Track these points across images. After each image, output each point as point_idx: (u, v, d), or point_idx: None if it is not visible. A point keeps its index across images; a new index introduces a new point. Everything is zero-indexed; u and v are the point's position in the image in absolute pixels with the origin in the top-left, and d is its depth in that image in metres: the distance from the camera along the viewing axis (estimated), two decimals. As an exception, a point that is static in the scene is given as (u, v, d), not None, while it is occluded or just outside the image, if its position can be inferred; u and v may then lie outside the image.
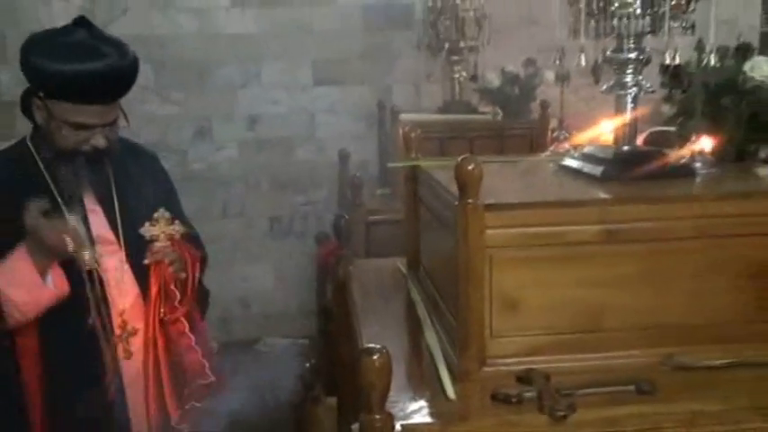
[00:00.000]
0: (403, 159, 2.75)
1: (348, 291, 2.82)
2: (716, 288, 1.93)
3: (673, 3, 2.11)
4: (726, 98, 2.32)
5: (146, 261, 2.59)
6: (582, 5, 2.19)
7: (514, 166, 2.88)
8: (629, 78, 2.23)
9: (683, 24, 2.16)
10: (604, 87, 2.29)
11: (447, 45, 5.81)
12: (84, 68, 2.38)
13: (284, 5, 6.22)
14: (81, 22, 2.47)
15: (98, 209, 2.65)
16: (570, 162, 2.41)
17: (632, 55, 2.21)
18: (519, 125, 5.24)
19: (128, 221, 2.66)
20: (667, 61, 2.27)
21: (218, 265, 5.98)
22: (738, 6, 6.27)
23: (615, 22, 2.17)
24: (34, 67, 2.38)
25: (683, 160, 2.30)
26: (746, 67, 2.32)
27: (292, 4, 6.24)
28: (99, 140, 2.50)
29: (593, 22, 2.22)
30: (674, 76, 2.42)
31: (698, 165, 2.30)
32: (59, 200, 2.51)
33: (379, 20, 6.29)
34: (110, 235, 2.66)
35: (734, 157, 2.33)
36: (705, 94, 2.34)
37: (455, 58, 5.88)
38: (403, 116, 5.22)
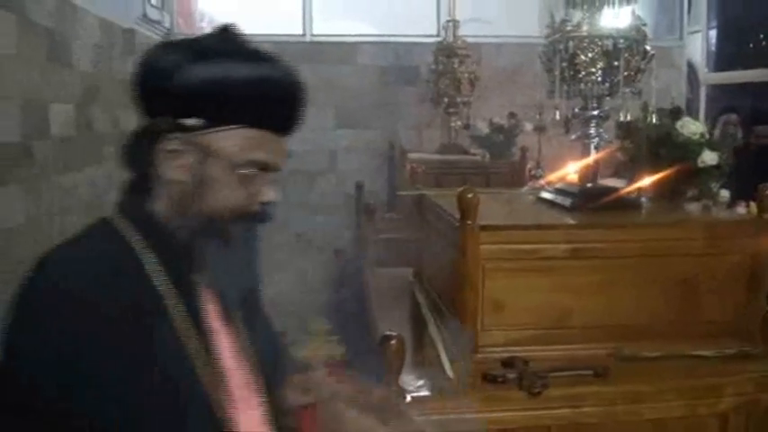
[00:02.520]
0: (409, 189, 2.80)
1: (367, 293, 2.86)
2: (653, 296, 1.98)
3: (625, 74, 2.16)
4: (662, 149, 2.34)
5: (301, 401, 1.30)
6: (557, 73, 2.23)
7: (500, 197, 2.90)
8: (592, 130, 2.27)
9: (633, 90, 2.21)
10: (573, 137, 2.32)
11: (446, 99, 5.87)
12: (284, 75, 1.23)
13: (317, 62, 6.24)
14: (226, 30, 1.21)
15: (221, 327, 1.24)
16: (545, 195, 2.44)
17: (595, 112, 2.26)
18: (502, 165, 5.28)
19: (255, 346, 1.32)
20: (621, 118, 2.36)
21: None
22: (671, 78, 6.41)
23: (582, 86, 2.22)
24: (189, 79, 1.12)
25: (632, 196, 2.32)
26: (678, 125, 2.35)
27: (323, 62, 6.28)
28: (271, 192, 1.24)
29: (565, 86, 2.26)
30: (626, 130, 2.45)
31: (642, 200, 2.33)
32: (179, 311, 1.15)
33: (391, 77, 6.35)
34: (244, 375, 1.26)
35: (668, 195, 2.35)
36: (647, 145, 2.36)
37: (452, 110, 5.91)
38: (410, 155, 5.29)
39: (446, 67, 5.78)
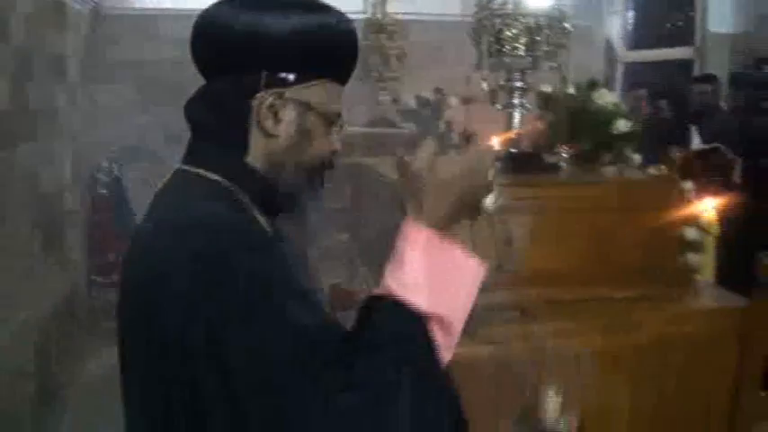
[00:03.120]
0: (345, 162, 2.88)
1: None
2: (574, 246, 2.12)
3: (546, 49, 2.31)
4: (580, 118, 2.47)
5: None
6: (483, 47, 2.36)
7: None
8: (515, 101, 2.41)
9: (553, 64, 2.35)
10: (499, 107, 2.44)
11: (374, 74, 6.02)
12: (345, 24, 1.23)
13: None
14: None
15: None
16: None
17: (518, 84, 2.39)
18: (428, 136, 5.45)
19: None
20: (542, 90, 2.55)
21: None
22: (590, 55, 6.71)
23: (506, 60, 2.35)
24: (284, 34, 1.14)
25: (552, 160, 2.46)
26: (594, 96, 2.49)
27: None
28: (339, 142, 1.29)
29: (491, 60, 2.38)
30: (546, 100, 2.58)
31: (562, 164, 2.47)
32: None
33: None
34: None
35: (586, 159, 2.48)
36: (566, 114, 2.50)
37: (380, 85, 6.10)
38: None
39: (375, 43, 5.93)
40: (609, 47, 8.28)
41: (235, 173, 1.19)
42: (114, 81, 6.17)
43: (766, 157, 5.03)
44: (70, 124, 5.10)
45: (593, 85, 2.55)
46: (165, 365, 1.03)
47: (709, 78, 6.25)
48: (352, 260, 2.99)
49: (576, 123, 2.47)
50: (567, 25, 2.37)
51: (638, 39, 8.79)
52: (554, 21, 2.33)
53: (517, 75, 2.40)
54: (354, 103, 6.37)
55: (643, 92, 6.43)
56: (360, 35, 5.16)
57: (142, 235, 1.15)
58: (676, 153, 2.32)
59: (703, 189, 2.83)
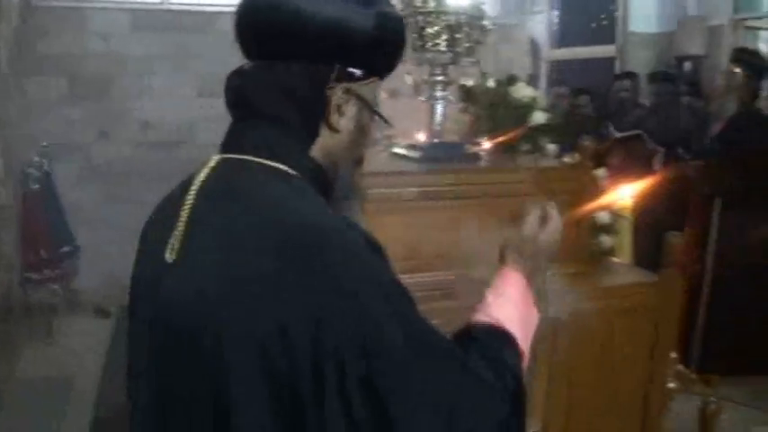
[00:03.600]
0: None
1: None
2: (492, 230, 1.99)
3: (466, 45, 2.43)
4: (499, 110, 2.60)
5: None
6: (407, 43, 2.51)
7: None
8: (438, 94, 2.51)
9: (473, 60, 2.48)
10: (422, 99, 2.55)
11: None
12: (400, 20, 1.23)
13: (174, 30, 6.28)
14: None
15: None
16: (398, 150, 2.66)
17: (440, 78, 2.50)
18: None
19: None
20: (463, 84, 2.65)
21: (118, 246, 6.08)
22: (514, 52, 6.92)
23: (429, 55, 2.46)
24: (348, 24, 1.12)
25: (473, 150, 2.56)
26: (512, 90, 2.63)
27: (181, 30, 6.30)
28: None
29: (415, 55, 2.49)
30: (467, 94, 2.71)
31: (482, 153, 2.57)
32: None
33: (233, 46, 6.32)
34: None
35: (505, 149, 2.58)
36: (486, 107, 2.63)
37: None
38: None
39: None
40: (534, 45, 8.52)
41: (302, 166, 1.15)
42: (45, 73, 6.09)
43: (683, 148, 5.29)
44: (1, 117, 5.05)
45: (511, 79, 2.69)
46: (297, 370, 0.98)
47: (629, 75, 6.54)
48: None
49: (496, 115, 2.59)
50: (485, 23, 2.50)
51: (563, 37, 9.06)
52: (473, 19, 2.45)
53: (439, 69, 2.51)
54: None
55: (564, 89, 6.67)
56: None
57: (238, 236, 1.06)
58: (587, 143, 2.44)
59: (623, 176, 3.00)
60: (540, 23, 8.85)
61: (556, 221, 1.31)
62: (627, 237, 2.54)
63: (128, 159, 6.37)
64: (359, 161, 1.32)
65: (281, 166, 1.13)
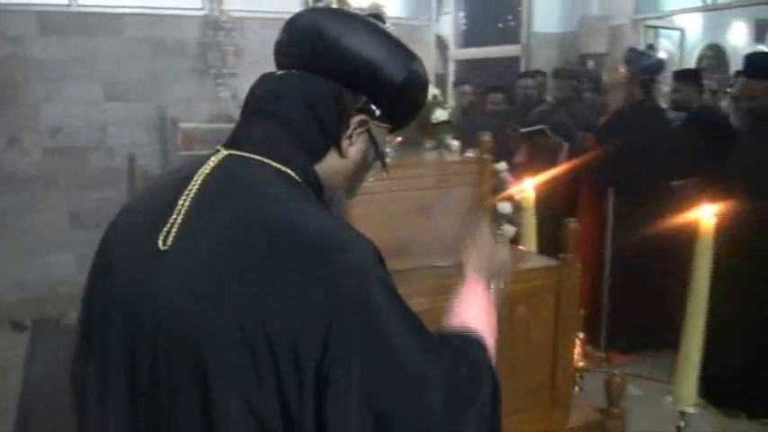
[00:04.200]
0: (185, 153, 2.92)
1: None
2: (402, 222, 2.24)
3: None
4: None
5: None
6: None
7: None
8: None
9: None
10: None
11: (213, 71, 6.06)
12: (425, 83, 1.30)
13: (82, 33, 6.17)
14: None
15: None
16: None
17: None
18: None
19: None
20: None
21: (29, 257, 5.95)
22: (422, 53, 6.93)
23: None
24: (385, 68, 1.19)
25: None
26: None
27: (89, 33, 6.20)
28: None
29: None
30: None
31: (388, 149, 2.42)
32: None
33: (159, 49, 6.32)
34: None
35: (409, 145, 2.59)
36: None
37: (219, 81, 6.15)
38: (182, 125, 5.48)
39: (212, 40, 5.97)
40: (443, 45, 8.70)
41: (306, 176, 1.17)
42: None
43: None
44: None
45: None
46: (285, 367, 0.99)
47: (533, 73, 6.77)
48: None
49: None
50: (387, 24, 2.58)
51: (471, 37, 9.27)
52: (375, 19, 2.53)
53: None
54: (195, 99, 6.43)
55: (468, 87, 6.85)
56: (197, 32, 5.21)
57: (240, 232, 1.06)
58: (486, 138, 2.53)
59: (529, 169, 3.11)
60: (448, 24, 9.04)
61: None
62: (531, 225, 2.66)
63: (38, 165, 6.25)
64: (351, 193, 1.33)
65: (287, 169, 1.14)
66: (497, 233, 2.49)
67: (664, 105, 5.77)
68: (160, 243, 1.08)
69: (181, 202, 1.10)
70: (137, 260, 1.11)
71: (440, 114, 2.63)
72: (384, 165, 1.31)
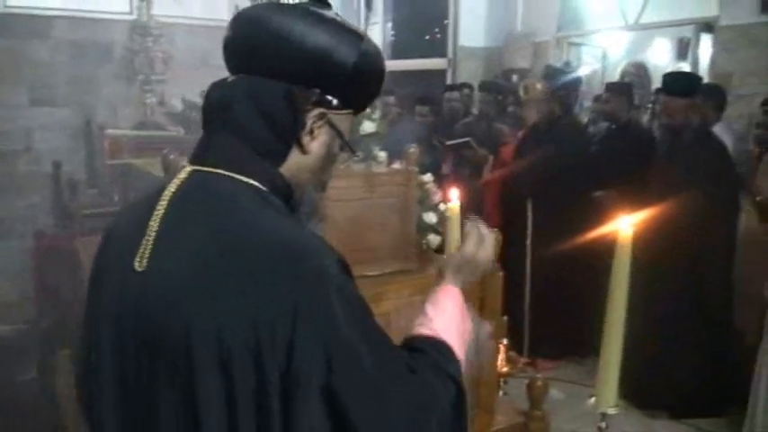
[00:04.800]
0: (113, 162, 2.91)
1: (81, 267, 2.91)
2: (330, 232, 2.17)
3: None
4: None
5: None
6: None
7: None
8: None
9: None
10: None
11: (141, 77, 5.98)
12: (383, 62, 1.26)
13: (9, 36, 6.00)
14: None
15: None
16: None
17: None
18: (197, 139, 5.42)
19: None
20: None
21: None
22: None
23: None
24: (335, 54, 1.15)
25: None
26: None
27: (16, 36, 6.04)
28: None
29: None
30: None
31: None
32: None
33: (86, 53, 6.21)
34: None
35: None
36: None
37: (147, 87, 6.07)
38: (108, 131, 5.32)
39: (141, 46, 5.89)
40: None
41: (272, 182, 1.17)
42: None
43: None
44: None
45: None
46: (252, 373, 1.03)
47: (459, 86, 6.87)
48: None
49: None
50: (332, 9, 2.58)
51: (398, 49, 9.34)
52: (318, 6, 2.53)
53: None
54: (122, 105, 6.33)
55: (392, 98, 6.90)
56: (125, 38, 5.12)
57: (211, 246, 1.08)
58: (412, 150, 2.56)
59: (455, 180, 3.15)
60: (377, 35, 9.09)
61: (490, 240, 1.42)
62: (456, 235, 2.70)
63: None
64: (323, 186, 1.33)
65: (253, 182, 1.15)
66: (422, 243, 2.54)
67: (585, 119, 5.93)
68: (136, 265, 1.12)
69: (152, 224, 1.13)
70: (118, 281, 1.15)
71: (367, 126, 2.65)
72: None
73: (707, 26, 6.18)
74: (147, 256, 1.12)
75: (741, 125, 5.24)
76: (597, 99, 6.06)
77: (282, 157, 1.18)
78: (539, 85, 4.97)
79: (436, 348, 1.24)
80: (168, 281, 1.08)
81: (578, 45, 8.02)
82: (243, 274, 1.04)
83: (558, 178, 4.70)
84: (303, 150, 1.19)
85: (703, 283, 4.11)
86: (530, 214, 4.94)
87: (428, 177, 2.62)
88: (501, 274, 2.34)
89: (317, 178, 1.27)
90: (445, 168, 5.69)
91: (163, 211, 1.13)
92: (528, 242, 4.93)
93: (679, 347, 4.18)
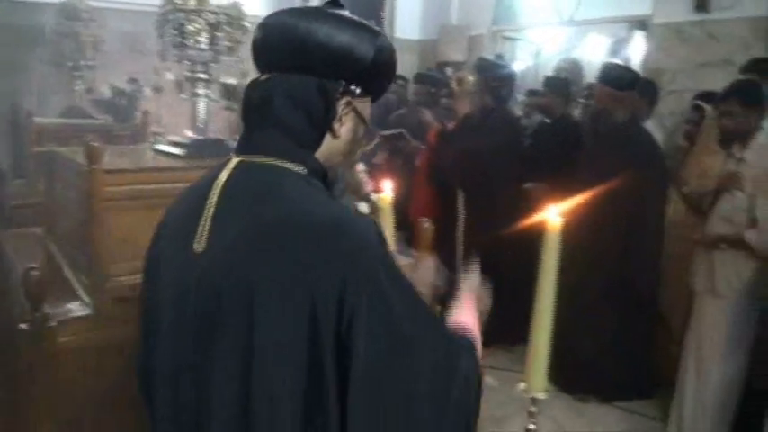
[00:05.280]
0: (39, 150, 2.83)
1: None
2: None
3: (227, 44, 2.48)
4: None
5: None
6: (167, 40, 2.47)
7: (123, 150, 3.08)
8: (200, 91, 2.54)
9: (235, 58, 2.53)
10: (184, 96, 2.56)
11: (70, 63, 5.81)
12: (393, 54, 1.42)
13: None
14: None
15: None
16: (162, 147, 2.65)
17: (202, 76, 2.53)
18: (126, 127, 5.32)
19: None
20: (224, 81, 2.68)
21: None
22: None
23: (190, 52, 2.47)
24: (357, 50, 1.32)
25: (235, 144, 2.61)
26: None
27: None
28: None
29: (176, 52, 2.49)
30: (228, 91, 2.75)
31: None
32: None
33: (12, 37, 5.91)
34: None
35: None
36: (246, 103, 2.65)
37: (76, 73, 5.90)
38: (35, 119, 5.16)
39: (70, 30, 5.71)
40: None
41: (311, 166, 1.31)
42: None
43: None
44: None
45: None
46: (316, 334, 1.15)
47: (397, 78, 6.85)
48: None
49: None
50: (246, 23, 2.54)
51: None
52: (234, 18, 2.49)
53: (200, 67, 2.53)
54: (49, 92, 6.11)
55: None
56: (53, 21, 4.92)
57: (265, 224, 1.20)
58: None
59: (388, 171, 3.14)
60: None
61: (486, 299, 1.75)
62: (389, 225, 2.68)
63: None
64: (350, 164, 1.53)
65: (294, 167, 1.28)
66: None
67: (519, 112, 5.95)
68: (195, 246, 1.25)
69: (207, 209, 1.27)
70: (179, 261, 1.28)
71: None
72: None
73: (641, 24, 6.25)
74: (205, 237, 1.25)
75: (672, 121, 5.32)
76: (532, 93, 6.09)
77: (317, 143, 1.33)
78: (471, 78, 4.97)
79: (461, 333, 1.45)
80: (229, 255, 1.21)
81: (513, 40, 8.06)
82: (297, 247, 1.16)
83: (489, 170, 4.71)
84: (334, 135, 1.33)
85: (631, 269, 4.17)
86: (460, 205, 4.95)
87: (361, 167, 2.60)
88: (432, 264, 2.33)
89: (346, 159, 1.42)
90: (378, 159, 5.66)
91: (216, 198, 1.27)
92: (458, 233, 4.93)
93: (607, 333, 4.24)
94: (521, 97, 6.43)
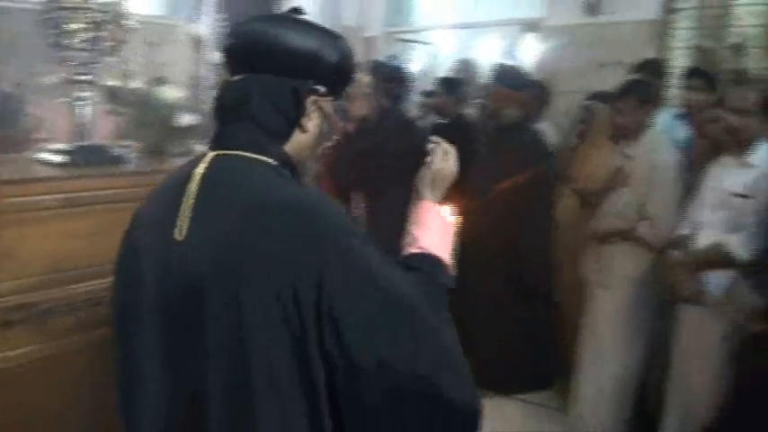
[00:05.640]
0: None
1: None
2: None
3: (109, 44, 2.35)
4: (144, 111, 2.56)
5: None
6: (49, 40, 2.33)
7: (3, 161, 2.88)
8: (82, 94, 2.40)
9: (118, 59, 2.43)
10: (66, 100, 2.42)
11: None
12: (352, 55, 1.55)
13: None
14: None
15: None
16: (43, 155, 2.48)
17: (83, 77, 2.39)
18: (9, 133, 5.02)
19: None
20: (107, 83, 2.56)
21: None
22: (178, 53, 6.82)
23: (70, 53, 2.35)
24: (322, 54, 1.45)
25: (119, 153, 2.46)
26: (158, 91, 2.58)
27: None
28: None
29: (57, 52, 2.35)
30: (111, 94, 2.60)
31: (131, 155, 2.50)
32: None
33: None
34: None
35: (152, 151, 2.58)
36: (132, 108, 2.55)
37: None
38: None
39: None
40: (199, 46, 8.46)
41: (280, 158, 1.42)
42: None
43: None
44: None
45: (160, 80, 2.63)
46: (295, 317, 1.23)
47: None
48: None
49: (141, 117, 2.54)
50: (129, 22, 2.43)
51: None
52: (117, 17, 2.38)
53: (81, 68, 2.40)
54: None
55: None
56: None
57: (242, 211, 1.29)
58: None
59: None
60: (206, 26, 8.82)
61: (452, 153, 1.74)
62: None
63: None
64: (314, 157, 1.60)
65: (266, 159, 1.39)
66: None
67: (416, 113, 5.94)
68: (176, 234, 1.33)
69: (186, 199, 1.35)
70: (159, 248, 1.35)
71: (185, 119, 2.52)
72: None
73: (533, 26, 6.37)
74: (185, 226, 1.33)
75: (565, 121, 5.44)
76: (428, 94, 6.11)
77: (287, 137, 1.45)
78: (365, 79, 4.94)
79: (428, 262, 1.52)
80: (210, 240, 1.29)
81: (409, 42, 8.08)
82: (274, 229, 1.25)
83: (382, 171, 4.68)
84: (303, 131, 1.46)
85: (522, 264, 4.25)
86: (360, 205, 4.90)
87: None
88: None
89: (312, 152, 1.54)
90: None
91: (195, 188, 1.35)
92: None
93: (501, 326, 4.30)
94: (417, 98, 6.44)
